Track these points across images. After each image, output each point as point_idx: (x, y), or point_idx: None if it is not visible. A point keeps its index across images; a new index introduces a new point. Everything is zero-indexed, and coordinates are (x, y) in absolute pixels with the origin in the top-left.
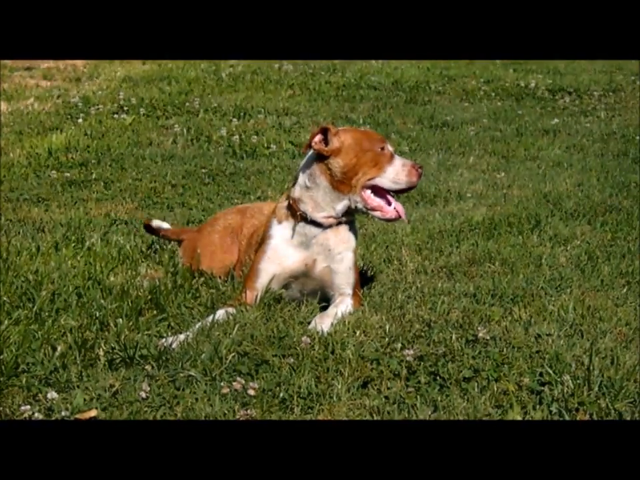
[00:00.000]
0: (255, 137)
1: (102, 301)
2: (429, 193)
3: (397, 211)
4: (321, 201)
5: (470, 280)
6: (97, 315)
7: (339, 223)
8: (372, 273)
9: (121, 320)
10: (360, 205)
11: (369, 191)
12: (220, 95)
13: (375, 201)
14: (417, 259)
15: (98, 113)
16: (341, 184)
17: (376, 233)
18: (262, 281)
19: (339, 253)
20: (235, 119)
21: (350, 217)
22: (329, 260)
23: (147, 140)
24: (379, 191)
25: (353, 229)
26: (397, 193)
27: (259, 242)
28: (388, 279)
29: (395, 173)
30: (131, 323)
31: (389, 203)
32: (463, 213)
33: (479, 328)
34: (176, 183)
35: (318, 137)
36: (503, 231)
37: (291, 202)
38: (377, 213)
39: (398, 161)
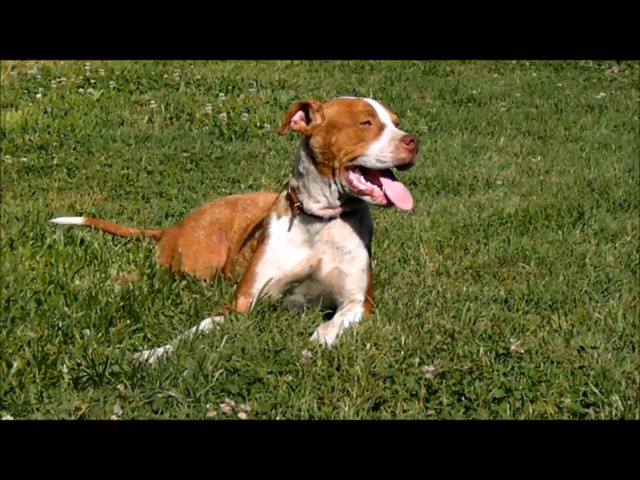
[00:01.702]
0: (246, 114)
1: (65, 309)
2: (452, 180)
3: (386, 196)
4: (312, 189)
5: (500, 283)
6: (60, 324)
7: (344, 215)
8: (385, 275)
9: (87, 331)
10: (347, 189)
11: (354, 173)
12: (204, 66)
13: (362, 183)
14: (438, 258)
15: (60, 86)
16: (323, 166)
17: (389, 227)
18: (258, 286)
19: (349, 252)
20: (221, 94)
21: (354, 206)
22: (338, 260)
23: (117, 118)
24: (373, 172)
25: (364, 220)
26: (400, 170)
27: (257, 240)
28: (403, 282)
29: (380, 150)
30: (99, 335)
31: (381, 186)
32: (492, 204)
33: (511, 339)
34: (152, 169)
35: (298, 115)
36: (540, 224)
37: (290, 192)
38: (367, 198)
39: (385, 136)
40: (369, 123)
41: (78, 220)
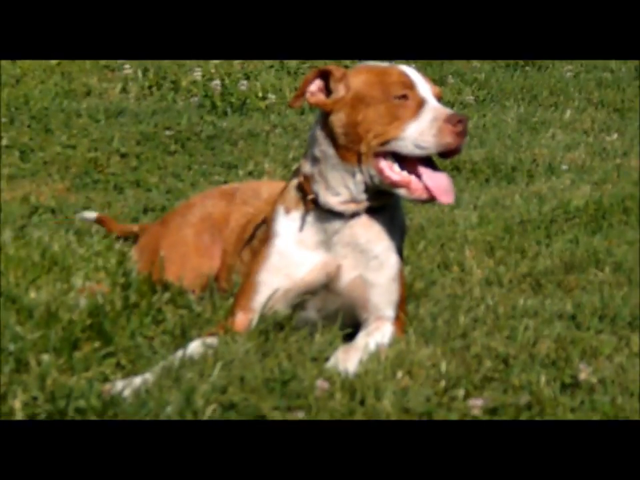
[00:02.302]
0: (245, 82)
1: (18, 328)
2: (505, 164)
3: (427, 189)
4: (330, 178)
5: (567, 294)
6: (11, 348)
7: (370, 210)
8: (421, 285)
9: (46, 356)
10: (377, 180)
11: (385, 160)
12: None
13: (395, 173)
14: (488, 263)
15: None
16: (346, 151)
17: (425, 223)
18: (261, 299)
19: (376, 257)
20: None
21: (383, 200)
22: (362, 266)
23: (82, 87)
24: (410, 159)
25: (395, 218)
26: (443, 157)
27: (260, 241)
28: (444, 294)
29: (419, 132)
30: (61, 361)
31: (420, 176)
32: (555, 195)
33: (580, 366)
34: (127, 152)
35: (315, 85)
36: (616, 221)
37: (301, 180)
38: (402, 191)
39: (427, 114)
40: (405, 97)
41: (92, 215)
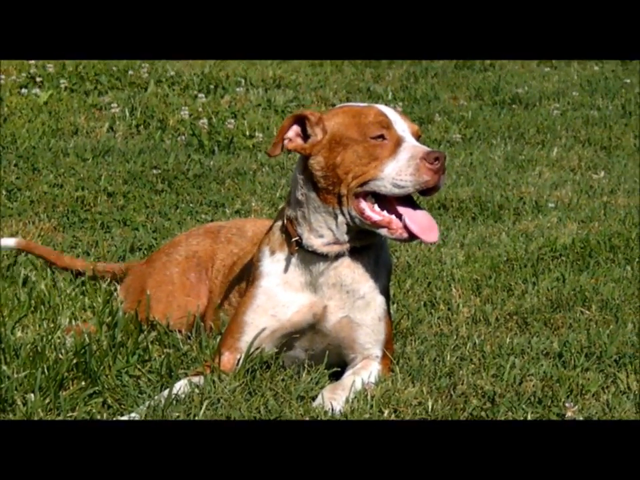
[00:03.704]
0: (232, 120)
1: (4, 367)
2: (492, 202)
3: (407, 228)
4: (313, 220)
5: (554, 332)
6: None
7: (355, 251)
8: (407, 323)
9: (32, 395)
10: (358, 221)
11: (365, 201)
12: (179, 60)
13: (376, 213)
14: (474, 301)
15: None
16: (327, 193)
17: (412, 262)
18: (247, 339)
19: (362, 297)
20: (201, 94)
21: (367, 240)
22: (348, 307)
23: (70, 127)
24: (390, 198)
25: (379, 257)
26: (423, 195)
27: (246, 282)
28: (431, 332)
29: (397, 172)
30: (47, 400)
31: (400, 215)
32: (542, 233)
33: (566, 404)
34: (114, 191)
35: (293, 131)
36: (603, 258)
37: (286, 223)
38: (383, 231)
39: (404, 153)
40: (382, 137)
41: (10, 242)
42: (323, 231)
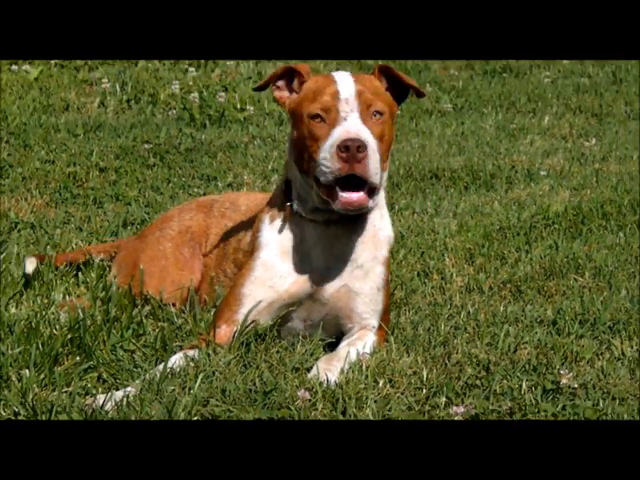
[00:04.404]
0: (223, 94)
1: None
2: (484, 171)
3: (341, 202)
4: (298, 185)
5: (547, 300)
6: None
7: (353, 219)
8: (401, 294)
9: (27, 371)
10: (316, 191)
11: None
12: None
13: (327, 188)
14: (468, 270)
15: None
16: (299, 159)
17: (405, 233)
18: (245, 311)
19: (360, 266)
20: (191, 68)
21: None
22: (346, 275)
23: (61, 102)
24: None
25: (380, 229)
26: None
27: (243, 252)
28: (425, 302)
29: (322, 157)
30: (42, 375)
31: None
32: (534, 201)
33: (561, 371)
34: (105, 166)
35: (283, 81)
36: (595, 225)
37: (284, 187)
38: (334, 204)
39: (330, 138)
40: (320, 117)
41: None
42: (306, 196)
